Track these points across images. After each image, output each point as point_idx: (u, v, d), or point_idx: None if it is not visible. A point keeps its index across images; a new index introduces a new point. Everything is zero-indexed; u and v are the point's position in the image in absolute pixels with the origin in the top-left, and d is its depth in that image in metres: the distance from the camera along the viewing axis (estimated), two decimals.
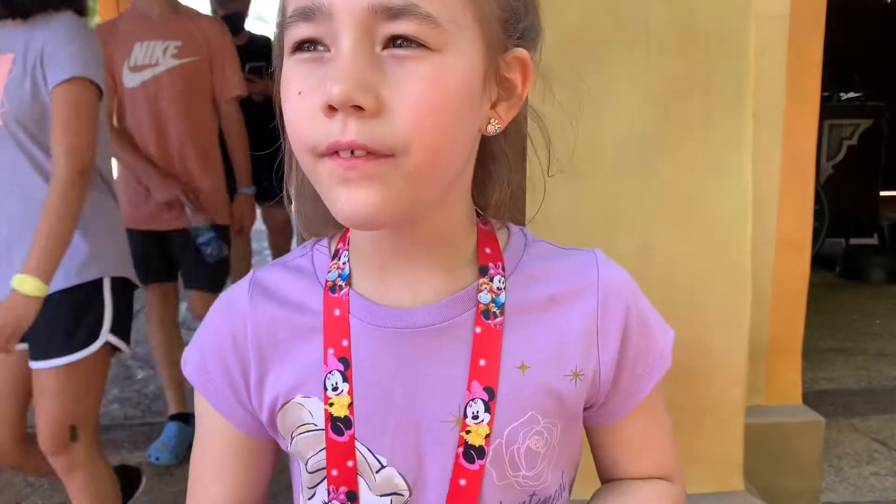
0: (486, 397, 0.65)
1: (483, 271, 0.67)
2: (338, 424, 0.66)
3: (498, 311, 0.66)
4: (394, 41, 0.55)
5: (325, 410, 0.66)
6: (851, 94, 5.50)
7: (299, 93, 0.56)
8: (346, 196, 0.56)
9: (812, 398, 2.41)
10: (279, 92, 0.61)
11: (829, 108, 5.00)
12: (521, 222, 0.78)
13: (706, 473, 1.85)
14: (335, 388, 0.66)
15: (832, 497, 2.46)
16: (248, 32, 3.66)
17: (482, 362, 0.65)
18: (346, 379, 0.66)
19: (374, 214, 0.56)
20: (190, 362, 0.73)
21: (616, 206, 1.66)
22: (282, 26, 0.61)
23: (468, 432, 0.64)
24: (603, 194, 1.64)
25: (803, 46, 2.27)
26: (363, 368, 0.66)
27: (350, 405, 0.66)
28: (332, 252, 0.71)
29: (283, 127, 0.61)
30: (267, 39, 3.60)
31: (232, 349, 0.70)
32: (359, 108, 0.53)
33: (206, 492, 0.76)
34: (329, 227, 0.72)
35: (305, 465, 0.70)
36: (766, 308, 2.26)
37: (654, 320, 0.73)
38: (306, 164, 0.59)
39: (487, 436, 0.64)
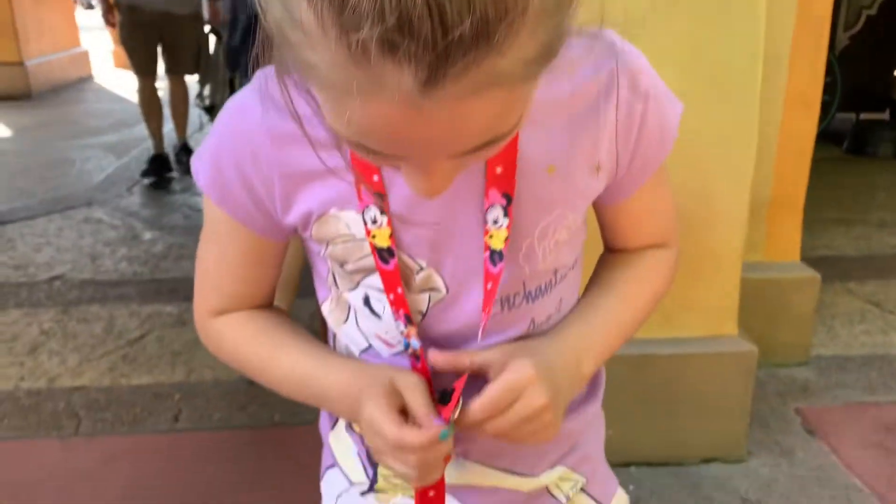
0: (504, 203, 0.66)
1: None
2: (383, 254, 0.68)
3: None
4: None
5: (370, 243, 0.68)
6: None
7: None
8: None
9: (809, 264, 2.44)
10: None
11: None
12: None
13: (702, 319, 1.90)
14: (374, 222, 0.67)
15: (822, 351, 2.53)
16: None
17: (499, 170, 0.65)
18: (383, 211, 0.67)
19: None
20: (203, 175, 0.71)
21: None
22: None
23: (491, 237, 0.66)
24: None
25: None
26: (396, 190, 0.66)
27: (391, 235, 0.67)
28: None
29: None
30: None
31: (252, 165, 0.68)
32: None
33: (220, 287, 0.77)
34: None
35: (342, 266, 0.72)
36: (771, 165, 2.25)
37: (665, 98, 0.72)
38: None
39: (506, 238, 0.66)
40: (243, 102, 0.69)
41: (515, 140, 0.65)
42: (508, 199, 0.66)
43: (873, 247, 3.43)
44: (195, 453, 2.06)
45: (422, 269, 0.69)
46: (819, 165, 2.55)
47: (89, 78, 9.04)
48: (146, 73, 4.39)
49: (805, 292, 2.38)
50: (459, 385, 0.65)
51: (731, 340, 1.91)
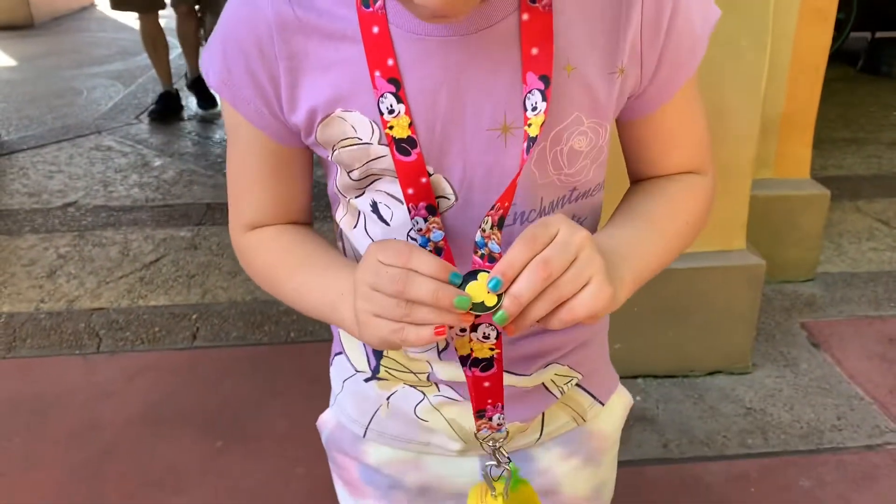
0: (542, 86, 0.62)
1: None
2: (403, 146, 0.64)
3: None
4: None
5: (387, 135, 0.64)
6: None
7: None
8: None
9: (820, 183, 2.44)
10: None
11: None
12: None
13: (711, 233, 1.91)
14: (391, 111, 0.63)
15: (829, 268, 2.55)
16: None
17: (534, 51, 0.62)
18: (400, 100, 0.63)
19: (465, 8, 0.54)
20: (213, 73, 0.69)
21: None
22: None
23: (530, 125, 0.62)
24: None
25: None
26: (409, 80, 0.63)
27: (411, 125, 0.64)
28: None
29: None
30: None
31: (259, 58, 0.66)
32: None
33: (247, 198, 0.76)
34: None
35: (349, 173, 0.69)
36: (783, 80, 2.23)
37: (696, 2, 0.68)
38: None
39: (542, 123, 0.62)
40: None
41: (550, 21, 0.62)
42: (546, 81, 0.62)
43: (884, 166, 3.41)
44: (213, 369, 2.12)
45: (430, 175, 0.66)
46: (832, 85, 2.53)
47: (91, 6, 8.90)
48: (148, 9, 4.13)
49: (814, 209, 2.39)
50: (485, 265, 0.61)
51: (739, 254, 1.93)
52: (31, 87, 5.11)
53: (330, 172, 0.75)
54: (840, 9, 2.32)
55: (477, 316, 0.58)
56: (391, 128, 0.63)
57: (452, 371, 0.75)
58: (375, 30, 0.63)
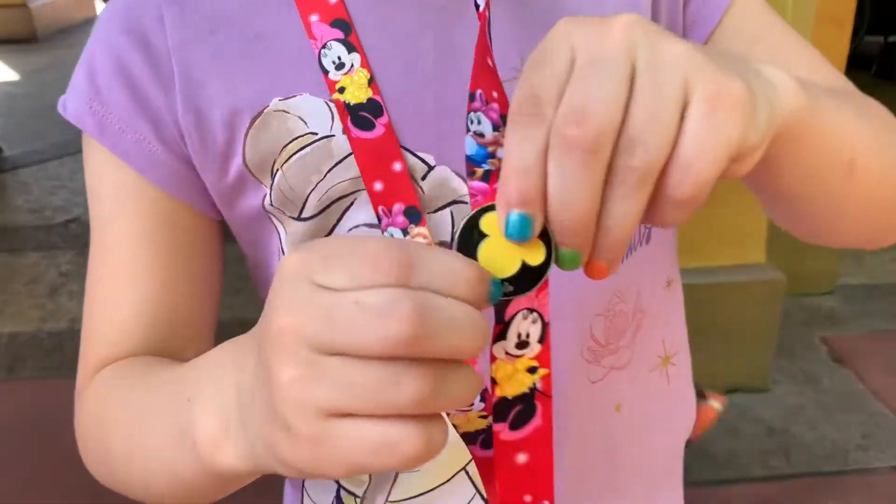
0: None
1: None
2: (360, 115, 0.43)
3: None
4: None
5: (336, 101, 0.43)
6: None
7: None
8: None
9: None
10: None
11: None
12: None
13: (729, 247, 1.86)
14: (340, 66, 0.43)
15: (849, 280, 2.49)
16: None
17: None
18: (352, 48, 0.44)
19: None
20: (74, 97, 0.49)
21: None
22: None
23: None
24: None
25: None
26: (367, 24, 0.45)
27: (371, 81, 0.43)
28: None
29: None
30: None
31: (142, 52, 0.46)
32: None
33: (112, 306, 0.49)
34: None
35: (300, 215, 0.47)
36: None
37: None
38: None
39: None
40: None
41: None
42: None
43: None
44: None
45: (431, 168, 0.45)
46: None
47: (94, 19, 8.92)
48: None
49: None
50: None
51: (758, 268, 1.88)
52: (35, 102, 5.09)
53: (269, 258, 0.50)
54: None
55: (501, 304, 0.29)
56: (341, 90, 0.43)
57: None
58: None
